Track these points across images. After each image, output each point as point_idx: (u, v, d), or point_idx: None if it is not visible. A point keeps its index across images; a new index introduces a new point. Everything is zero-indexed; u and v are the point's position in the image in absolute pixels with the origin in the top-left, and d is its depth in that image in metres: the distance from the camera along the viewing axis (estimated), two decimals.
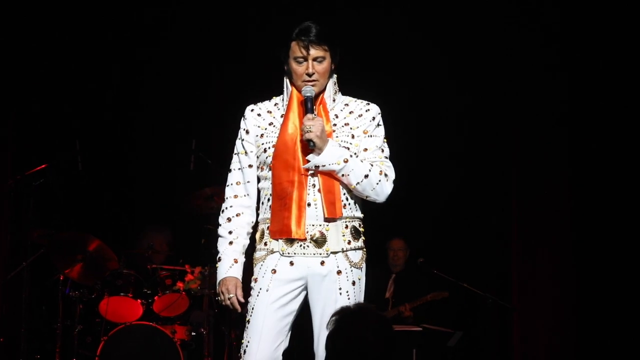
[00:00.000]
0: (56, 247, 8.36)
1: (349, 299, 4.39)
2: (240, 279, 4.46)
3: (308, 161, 4.37)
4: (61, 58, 9.06)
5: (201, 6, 9.03)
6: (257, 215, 4.63)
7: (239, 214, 4.51)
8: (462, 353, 9.00)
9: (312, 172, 4.40)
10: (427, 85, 9.12)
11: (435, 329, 8.76)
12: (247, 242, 4.53)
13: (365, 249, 4.54)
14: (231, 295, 4.43)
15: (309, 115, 4.36)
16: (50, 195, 8.47)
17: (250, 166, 4.54)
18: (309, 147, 4.34)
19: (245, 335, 4.45)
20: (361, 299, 4.48)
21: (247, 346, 4.42)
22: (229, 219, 4.51)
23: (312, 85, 4.44)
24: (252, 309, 4.44)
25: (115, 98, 9.28)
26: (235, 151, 4.60)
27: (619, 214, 8.47)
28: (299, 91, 4.48)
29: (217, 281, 4.49)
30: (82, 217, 9.02)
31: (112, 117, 9.15)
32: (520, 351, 8.79)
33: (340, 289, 4.42)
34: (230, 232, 4.48)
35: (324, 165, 4.36)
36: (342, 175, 4.38)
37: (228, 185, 4.57)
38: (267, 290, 4.41)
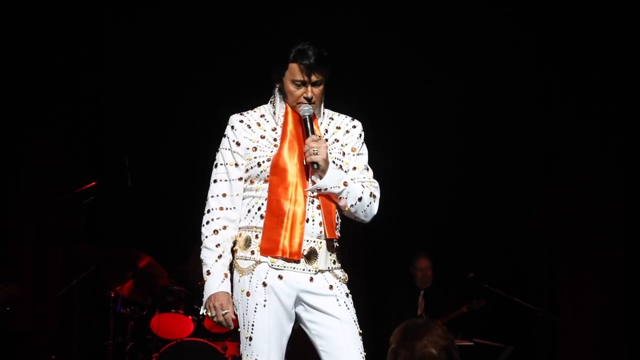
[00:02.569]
0: (106, 264, 8.35)
1: (348, 309, 4.39)
2: (231, 295, 4.40)
3: (312, 183, 4.36)
4: (108, 75, 9.13)
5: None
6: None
7: (225, 227, 4.40)
8: None
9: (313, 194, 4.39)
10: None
11: (486, 343, 8.75)
12: (231, 258, 4.43)
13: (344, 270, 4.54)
14: (226, 312, 4.36)
15: (314, 137, 4.35)
16: (100, 213, 8.55)
17: (240, 179, 4.46)
18: (312, 168, 4.33)
19: (249, 352, 4.38)
20: (354, 310, 4.43)
21: None
22: (215, 231, 4.39)
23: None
24: (252, 325, 4.38)
25: (163, 113, 9.29)
26: (221, 161, 4.50)
27: None
28: (292, 108, 4.46)
29: (206, 296, 4.39)
30: (132, 234, 9.04)
31: (161, 132, 9.20)
32: None
33: (337, 300, 4.40)
34: (217, 245, 4.36)
35: (325, 189, 4.36)
36: (340, 197, 4.39)
37: (213, 197, 4.45)
38: (264, 306, 4.37)
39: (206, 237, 4.39)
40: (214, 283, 4.34)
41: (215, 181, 4.45)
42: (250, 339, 4.35)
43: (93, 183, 8.20)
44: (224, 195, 4.41)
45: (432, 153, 9.52)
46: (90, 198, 8.10)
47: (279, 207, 4.32)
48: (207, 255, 4.39)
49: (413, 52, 9.05)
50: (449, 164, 9.47)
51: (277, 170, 4.35)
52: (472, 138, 9.40)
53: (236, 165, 4.43)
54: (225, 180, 4.43)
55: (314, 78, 4.36)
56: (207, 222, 4.40)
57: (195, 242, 9.06)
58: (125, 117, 9.17)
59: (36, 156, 9.04)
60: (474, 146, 9.45)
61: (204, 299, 4.37)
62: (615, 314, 8.71)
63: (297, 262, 4.37)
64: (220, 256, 4.36)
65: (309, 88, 4.38)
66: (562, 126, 8.94)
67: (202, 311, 4.41)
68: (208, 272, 4.35)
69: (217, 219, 4.39)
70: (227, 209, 4.40)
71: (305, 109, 4.38)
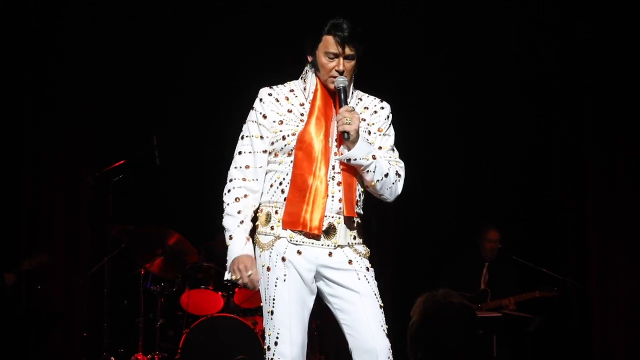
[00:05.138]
0: (136, 242, 8.49)
1: (368, 282, 4.44)
2: (254, 258, 4.46)
3: (341, 154, 4.39)
4: (136, 56, 9.23)
5: None
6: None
7: (246, 195, 4.45)
8: (542, 338, 9.02)
9: (337, 166, 4.43)
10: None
11: (516, 314, 8.82)
12: (252, 225, 4.49)
13: (367, 245, 4.58)
14: (250, 273, 4.38)
15: (347, 107, 4.38)
16: (129, 191, 8.63)
17: (264, 151, 4.49)
18: (343, 138, 4.36)
19: (271, 326, 4.44)
20: (375, 284, 4.50)
21: (277, 336, 4.42)
22: (237, 199, 4.44)
23: None
24: (273, 299, 4.44)
25: (191, 93, 9.35)
26: (247, 133, 4.54)
27: None
28: (323, 82, 4.49)
29: (230, 260, 4.43)
30: (160, 212, 9.14)
31: (188, 111, 9.26)
32: (600, 337, 8.75)
33: (357, 274, 4.44)
34: (239, 212, 4.41)
35: (355, 159, 4.37)
36: (368, 171, 4.41)
37: (236, 168, 4.51)
38: (284, 281, 4.42)
39: (227, 204, 4.44)
40: (237, 246, 4.39)
41: (240, 153, 4.49)
42: (272, 312, 4.41)
43: (122, 162, 8.37)
44: (247, 167, 4.45)
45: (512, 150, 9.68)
46: (119, 176, 8.23)
47: (303, 181, 4.36)
48: (229, 222, 4.42)
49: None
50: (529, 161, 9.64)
51: (303, 145, 4.39)
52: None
53: (261, 137, 4.47)
54: (250, 152, 4.46)
55: (347, 51, 4.38)
56: (229, 191, 4.45)
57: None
58: (153, 97, 9.25)
59: (66, 135, 9.09)
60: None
61: (228, 264, 4.42)
62: None
63: (317, 237, 4.41)
64: (242, 222, 4.40)
65: (341, 61, 4.40)
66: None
67: (227, 276, 4.45)
68: (230, 237, 4.40)
69: (239, 187, 4.43)
70: (249, 180, 4.45)
71: (340, 80, 4.41)
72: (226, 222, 4.44)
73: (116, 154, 8.54)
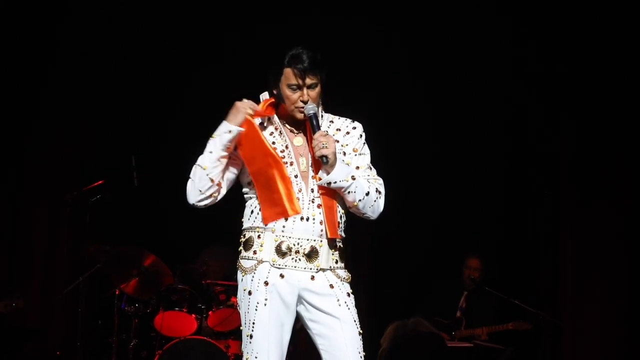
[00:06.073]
0: (112, 261, 8.45)
1: (349, 308, 4.44)
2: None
3: (319, 178, 4.43)
4: (120, 76, 9.22)
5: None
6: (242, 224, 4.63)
7: None
8: None
9: (316, 190, 4.46)
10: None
11: (487, 345, 8.78)
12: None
13: (347, 270, 4.60)
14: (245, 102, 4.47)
15: (321, 132, 4.42)
16: (107, 211, 8.58)
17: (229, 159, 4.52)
18: (322, 162, 4.38)
19: (249, 350, 4.45)
20: (355, 310, 4.51)
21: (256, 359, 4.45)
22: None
23: None
24: (253, 323, 4.44)
25: (167, 113, 9.34)
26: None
27: None
28: (290, 112, 4.52)
29: (222, 127, 4.43)
30: (138, 233, 9.08)
31: (168, 134, 9.25)
32: None
33: (338, 300, 4.45)
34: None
35: (335, 182, 4.41)
36: (349, 192, 4.44)
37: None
38: (264, 305, 4.43)
39: (197, 162, 4.49)
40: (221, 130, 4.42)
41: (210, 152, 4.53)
42: (251, 336, 4.41)
43: (100, 182, 8.32)
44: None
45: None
46: (97, 196, 8.19)
47: (265, 177, 4.42)
48: (205, 155, 4.45)
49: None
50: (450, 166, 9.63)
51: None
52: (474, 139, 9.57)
53: (228, 157, 4.50)
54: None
55: (308, 81, 4.41)
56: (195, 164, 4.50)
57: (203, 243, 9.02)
58: (132, 117, 9.23)
59: (45, 154, 9.09)
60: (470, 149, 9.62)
61: (220, 129, 4.42)
62: (618, 319, 8.67)
63: (299, 260, 4.42)
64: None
65: (305, 91, 4.43)
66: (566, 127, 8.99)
67: (222, 129, 4.42)
68: (210, 152, 4.43)
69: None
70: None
71: (310, 107, 4.44)
72: (202, 159, 4.47)
73: (95, 174, 8.53)
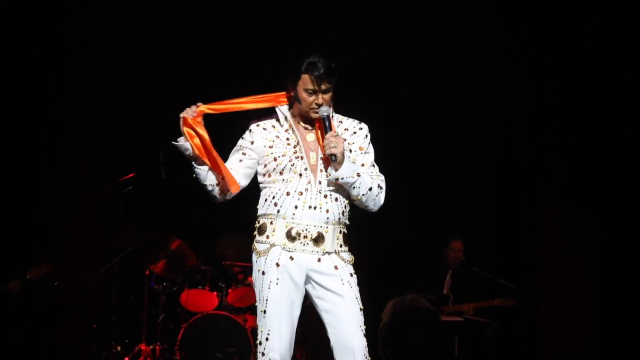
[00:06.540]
0: (143, 245, 8.72)
1: (351, 287, 4.64)
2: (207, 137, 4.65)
3: (329, 174, 4.63)
4: (146, 72, 9.31)
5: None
6: (257, 210, 4.79)
7: None
8: (499, 341, 9.17)
9: (324, 183, 4.66)
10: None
11: (475, 319, 9.03)
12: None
13: (351, 253, 4.78)
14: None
15: (333, 132, 4.59)
16: (137, 200, 8.73)
17: (240, 161, 4.77)
18: (330, 160, 4.56)
19: (263, 323, 4.62)
20: (357, 289, 4.68)
21: (269, 332, 4.60)
22: None
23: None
24: (267, 300, 4.61)
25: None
26: (234, 152, 4.82)
27: None
28: (305, 113, 4.71)
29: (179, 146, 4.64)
30: (165, 220, 9.17)
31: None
32: (552, 342, 9.01)
33: (341, 279, 4.63)
34: None
35: (342, 178, 4.59)
36: (353, 187, 4.62)
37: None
38: (277, 284, 4.61)
39: None
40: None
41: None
42: (265, 312, 4.62)
43: (131, 175, 8.51)
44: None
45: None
46: (129, 188, 8.45)
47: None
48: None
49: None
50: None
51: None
52: (460, 125, 9.72)
53: (244, 154, 4.78)
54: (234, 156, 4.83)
55: (323, 87, 4.62)
56: None
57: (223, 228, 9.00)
58: (160, 117, 8.81)
59: (82, 151, 9.28)
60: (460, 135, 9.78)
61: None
62: (593, 297, 8.89)
63: (307, 244, 4.62)
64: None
65: (320, 95, 4.63)
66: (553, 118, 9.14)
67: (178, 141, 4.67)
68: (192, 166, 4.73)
69: None
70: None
71: (324, 110, 4.62)
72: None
73: (127, 168, 8.64)
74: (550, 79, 9.12)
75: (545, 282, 9.15)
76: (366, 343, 4.62)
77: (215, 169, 4.73)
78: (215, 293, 8.81)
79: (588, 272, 9.00)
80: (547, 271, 9.15)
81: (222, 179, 4.74)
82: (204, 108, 4.74)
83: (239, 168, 4.79)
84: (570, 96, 9.06)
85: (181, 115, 4.69)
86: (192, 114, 4.69)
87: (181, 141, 4.70)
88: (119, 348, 8.67)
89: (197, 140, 4.67)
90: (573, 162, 9.08)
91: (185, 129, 4.67)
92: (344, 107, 4.95)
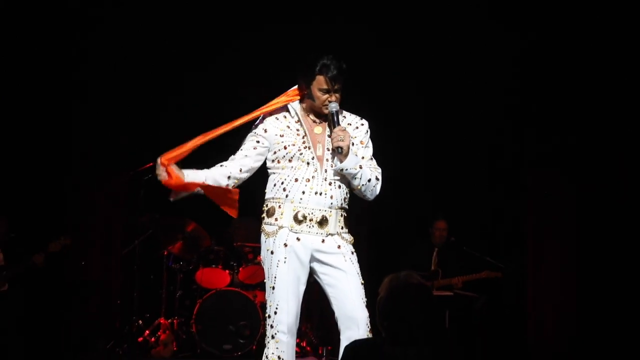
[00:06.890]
0: (161, 228, 9.00)
1: (352, 263, 4.84)
2: (183, 175, 4.90)
3: (334, 165, 4.83)
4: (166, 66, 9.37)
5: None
6: (265, 194, 4.96)
7: (222, 165, 4.96)
8: (486, 314, 9.38)
9: (329, 171, 4.85)
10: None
11: (464, 294, 9.26)
12: (211, 174, 4.94)
13: (351, 234, 4.96)
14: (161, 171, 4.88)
15: (340, 127, 4.80)
16: (157, 187, 8.48)
17: (254, 148, 4.94)
18: (337, 152, 4.76)
19: (272, 299, 4.80)
20: (358, 265, 4.86)
21: (277, 307, 4.79)
22: (221, 165, 4.96)
23: None
24: (275, 277, 4.79)
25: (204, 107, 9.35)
26: (249, 139, 4.97)
27: (614, 207, 8.85)
28: (318, 109, 4.90)
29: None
30: (182, 204, 8.69)
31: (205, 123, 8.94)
32: (533, 315, 9.30)
33: (344, 257, 4.84)
34: (208, 167, 4.94)
35: (346, 169, 4.79)
36: (355, 178, 4.83)
37: (238, 151, 4.98)
38: (284, 262, 4.79)
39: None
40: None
41: (240, 149, 5.04)
42: (273, 288, 4.82)
43: (151, 164, 7.86)
44: (233, 159, 5.03)
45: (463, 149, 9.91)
46: (149, 175, 8.10)
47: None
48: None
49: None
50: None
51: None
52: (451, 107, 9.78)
53: (258, 142, 4.94)
54: (242, 151, 5.02)
55: (336, 86, 4.84)
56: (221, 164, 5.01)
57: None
58: (181, 110, 9.49)
59: (104, 140, 9.50)
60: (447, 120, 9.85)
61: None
62: (570, 274, 9.14)
63: (312, 227, 4.81)
64: (202, 169, 4.97)
65: (332, 94, 4.85)
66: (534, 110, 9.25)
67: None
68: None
69: (225, 162, 5.02)
70: (232, 159, 5.03)
71: (333, 106, 4.83)
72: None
73: (148, 157, 8.31)
74: (545, 74, 9.18)
75: (525, 260, 9.37)
76: (368, 314, 4.77)
77: (209, 192, 5.04)
78: (227, 271, 9.04)
79: (565, 251, 9.19)
80: (528, 249, 9.35)
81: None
82: (164, 160, 5.01)
83: (252, 155, 4.96)
84: (556, 88, 9.21)
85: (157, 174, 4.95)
86: (162, 170, 5.00)
87: (174, 196, 5.14)
88: (140, 322, 8.88)
89: (176, 182, 5.01)
90: (553, 146, 9.23)
91: (164, 182, 5.03)
92: (342, 105, 5.06)
